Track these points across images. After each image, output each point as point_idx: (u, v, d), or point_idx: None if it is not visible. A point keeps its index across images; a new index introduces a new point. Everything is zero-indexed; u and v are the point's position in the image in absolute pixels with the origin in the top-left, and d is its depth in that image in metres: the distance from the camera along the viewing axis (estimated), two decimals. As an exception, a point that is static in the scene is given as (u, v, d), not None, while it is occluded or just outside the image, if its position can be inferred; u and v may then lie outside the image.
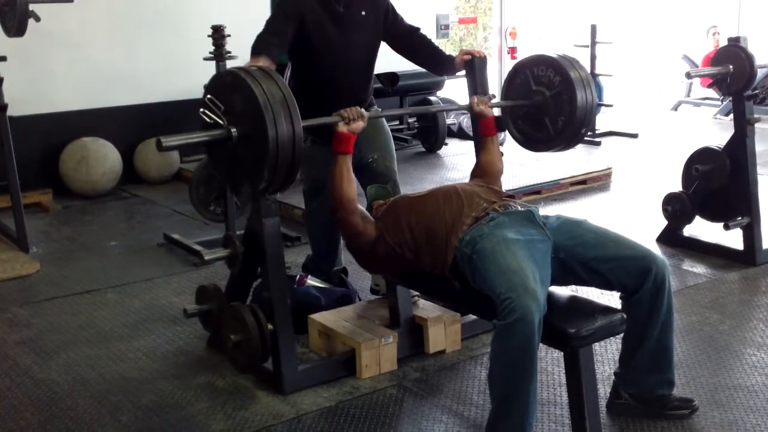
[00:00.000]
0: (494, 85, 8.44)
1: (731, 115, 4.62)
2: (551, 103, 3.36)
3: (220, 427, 2.83)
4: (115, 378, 3.22)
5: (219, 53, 4.64)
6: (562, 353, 2.59)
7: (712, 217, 4.55)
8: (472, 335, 3.45)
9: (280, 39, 3.33)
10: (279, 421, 2.85)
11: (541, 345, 2.43)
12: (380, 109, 3.73)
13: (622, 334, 2.70)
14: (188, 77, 6.13)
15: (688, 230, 4.69)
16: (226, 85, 2.71)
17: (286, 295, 3.04)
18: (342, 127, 2.90)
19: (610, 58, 8.77)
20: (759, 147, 4.56)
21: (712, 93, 9.54)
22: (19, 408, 3.00)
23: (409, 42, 3.67)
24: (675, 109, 10.23)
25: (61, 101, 6.30)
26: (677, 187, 4.67)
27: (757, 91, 6.02)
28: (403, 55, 3.73)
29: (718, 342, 3.41)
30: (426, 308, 3.41)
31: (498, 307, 2.38)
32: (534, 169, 6.35)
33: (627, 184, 6.30)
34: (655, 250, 4.34)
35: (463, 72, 3.64)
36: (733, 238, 4.44)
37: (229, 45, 4.67)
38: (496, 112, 3.40)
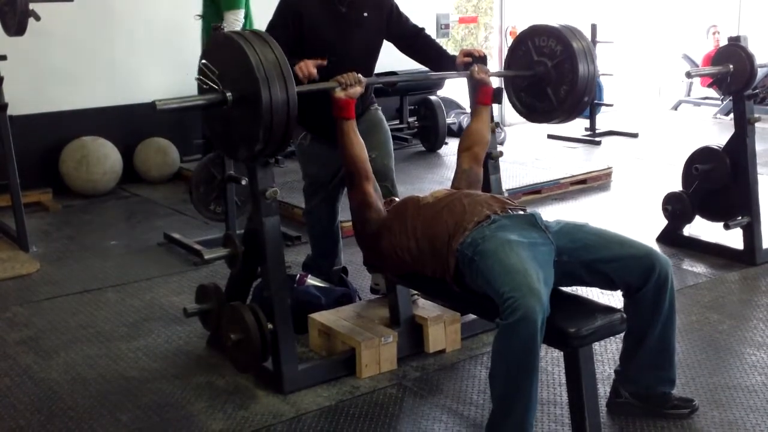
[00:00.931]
0: (494, 85, 8.42)
1: (731, 115, 4.62)
2: (553, 73, 3.38)
3: (220, 426, 2.83)
4: (115, 377, 3.22)
5: (219, 53, 4.65)
6: (561, 353, 2.59)
7: (712, 216, 4.55)
8: (471, 335, 3.45)
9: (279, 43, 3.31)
10: (279, 420, 2.86)
11: (541, 344, 2.43)
12: (380, 108, 3.72)
13: (621, 334, 2.70)
14: (188, 77, 6.12)
15: (688, 230, 4.69)
16: (221, 49, 2.72)
17: (286, 295, 3.04)
18: (339, 93, 2.92)
19: (610, 58, 8.78)
20: (759, 146, 4.56)
21: (712, 92, 9.54)
22: (18, 407, 3.00)
23: (413, 42, 3.66)
24: (675, 108, 10.23)
25: (61, 100, 6.30)
26: (677, 186, 4.66)
27: (757, 91, 6.01)
28: (407, 54, 3.72)
29: (718, 342, 3.41)
30: (426, 308, 3.41)
31: (501, 307, 2.38)
32: (534, 168, 6.36)
33: (627, 184, 6.30)
34: (656, 249, 4.35)
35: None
36: (733, 238, 4.44)
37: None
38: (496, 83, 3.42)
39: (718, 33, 10.04)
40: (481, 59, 3.51)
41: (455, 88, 8.45)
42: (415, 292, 3.36)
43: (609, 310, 2.56)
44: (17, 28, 4.54)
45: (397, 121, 7.67)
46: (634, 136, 8.26)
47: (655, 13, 11.15)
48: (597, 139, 7.95)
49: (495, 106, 3.52)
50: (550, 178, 6.05)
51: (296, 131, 3.67)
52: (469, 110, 3.93)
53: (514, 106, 3.58)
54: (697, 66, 9.60)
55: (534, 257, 2.51)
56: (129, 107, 6.55)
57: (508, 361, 2.38)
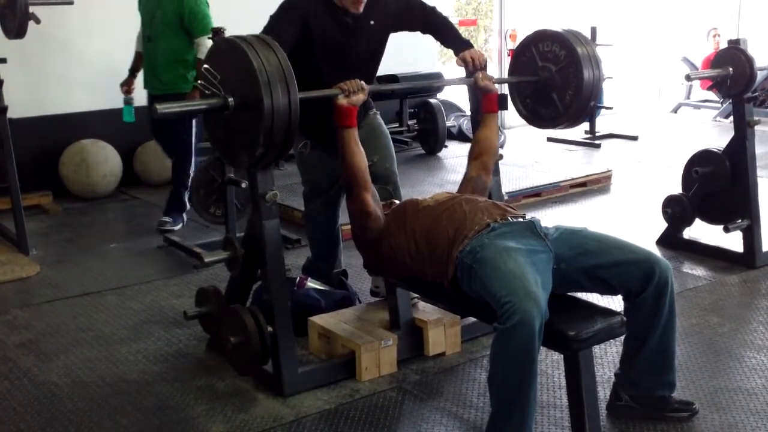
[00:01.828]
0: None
1: (731, 118, 4.62)
2: (558, 78, 3.36)
3: (220, 429, 2.83)
4: (115, 380, 3.22)
5: (219, 55, 4.65)
6: (561, 356, 2.59)
7: (712, 219, 4.55)
8: (471, 338, 3.45)
9: (278, 43, 3.26)
10: (279, 423, 2.85)
11: (540, 347, 2.43)
12: (378, 113, 3.72)
13: (621, 337, 2.70)
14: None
15: (688, 233, 4.69)
16: (223, 54, 2.70)
17: (286, 298, 3.03)
18: (342, 100, 2.88)
19: (609, 61, 8.76)
20: (759, 149, 4.56)
21: (712, 95, 9.55)
22: (18, 410, 3.00)
23: (423, 27, 3.61)
24: (675, 111, 10.23)
25: (61, 103, 6.31)
26: (677, 189, 4.67)
27: (756, 94, 6.01)
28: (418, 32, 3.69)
29: (718, 345, 3.40)
30: (426, 311, 3.41)
31: (499, 311, 2.38)
32: (534, 171, 6.36)
33: (627, 187, 6.30)
34: (656, 252, 4.35)
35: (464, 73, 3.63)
36: (733, 241, 4.44)
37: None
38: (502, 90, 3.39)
39: (719, 36, 10.05)
40: (482, 66, 3.48)
41: (455, 91, 8.45)
42: (415, 295, 3.36)
43: (609, 313, 2.56)
44: (17, 31, 4.54)
45: (397, 124, 7.67)
46: (634, 139, 8.27)
47: (655, 16, 11.16)
48: (597, 142, 7.95)
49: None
50: (549, 181, 6.06)
51: (296, 139, 3.66)
52: (469, 113, 3.92)
53: (519, 112, 3.54)
54: (697, 69, 9.60)
55: (532, 263, 2.51)
56: (129, 110, 6.55)
57: (507, 365, 2.38)
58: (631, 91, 10.60)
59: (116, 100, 6.44)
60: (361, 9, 3.33)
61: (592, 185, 6.19)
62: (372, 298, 3.78)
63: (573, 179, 6.13)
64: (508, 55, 9.12)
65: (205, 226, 5.02)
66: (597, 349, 3.16)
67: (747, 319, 3.69)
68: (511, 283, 2.40)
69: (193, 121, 5.12)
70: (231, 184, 4.25)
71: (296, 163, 3.79)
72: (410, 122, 7.71)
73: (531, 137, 8.01)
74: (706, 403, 2.90)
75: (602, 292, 2.80)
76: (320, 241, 3.88)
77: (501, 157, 3.60)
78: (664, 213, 4.67)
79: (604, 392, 2.89)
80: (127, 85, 5.40)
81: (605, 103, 8.42)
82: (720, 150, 4.45)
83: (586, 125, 8.05)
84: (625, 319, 2.57)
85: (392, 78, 7.13)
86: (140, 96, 5.41)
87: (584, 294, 3.39)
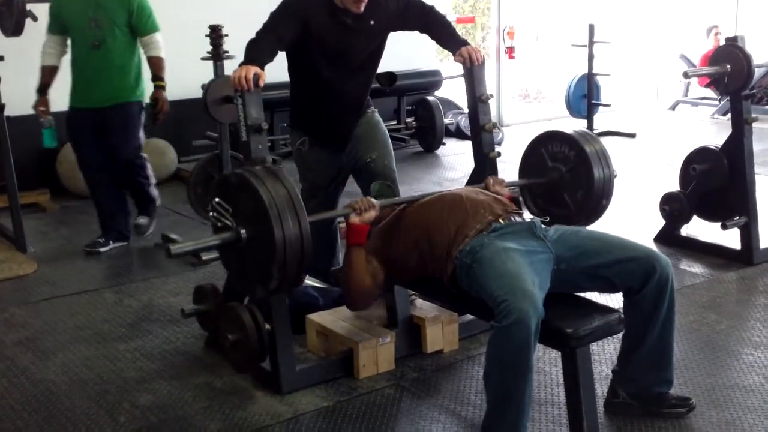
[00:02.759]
0: (492, 85, 8.46)
1: (729, 115, 4.63)
2: (568, 178, 3.33)
3: (218, 427, 2.83)
4: (113, 378, 3.22)
5: (217, 53, 4.64)
6: (559, 353, 2.60)
7: (709, 216, 4.55)
8: (469, 335, 3.45)
9: (278, 41, 3.23)
10: (277, 421, 2.85)
11: (538, 345, 2.43)
12: (376, 110, 3.72)
13: (619, 334, 2.70)
14: (186, 77, 6.11)
15: (686, 230, 4.70)
16: (232, 187, 2.70)
17: (283, 295, 3.03)
18: (354, 219, 2.81)
19: (607, 58, 8.78)
20: (756, 146, 4.57)
21: (709, 93, 9.55)
22: (16, 408, 3.00)
23: (422, 27, 3.59)
24: (673, 108, 10.24)
25: (59, 101, 6.28)
26: (675, 186, 4.67)
27: (754, 91, 6.02)
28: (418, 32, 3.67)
29: (715, 341, 3.41)
30: (423, 308, 3.41)
31: (495, 310, 2.39)
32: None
33: (625, 184, 6.29)
34: (656, 250, 4.35)
35: (462, 71, 3.63)
36: (731, 238, 4.44)
37: (227, 44, 4.67)
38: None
39: (720, 34, 10.05)
40: (480, 63, 3.48)
41: (453, 89, 8.46)
42: (413, 292, 3.36)
43: (606, 310, 2.57)
44: (14, 29, 4.54)
45: (395, 122, 7.67)
46: (632, 136, 8.27)
47: (653, 13, 11.16)
48: (595, 139, 7.94)
49: (493, 105, 3.50)
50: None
51: (294, 136, 3.67)
52: (466, 111, 3.90)
53: (530, 211, 3.49)
54: (695, 66, 9.61)
55: (530, 263, 2.52)
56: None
57: (502, 364, 2.39)
58: (629, 89, 10.61)
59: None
60: (362, 9, 3.32)
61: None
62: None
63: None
64: (506, 53, 9.14)
65: (203, 223, 5.01)
66: (594, 347, 3.16)
67: (744, 316, 3.70)
68: (508, 282, 2.41)
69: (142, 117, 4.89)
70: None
71: (294, 161, 3.79)
72: (408, 120, 7.72)
73: (529, 135, 7.99)
74: (703, 399, 2.90)
75: (602, 291, 2.80)
76: (318, 239, 3.86)
77: (499, 154, 3.60)
78: (662, 210, 4.68)
79: (601, 389, 2.89)
80: (44, 106, 4.85)
81: (603, 101, 8.43)
82: (718, 147, 4.45)
83: (583, 122, 8.05)
84: (622, 316, 2.58)
85: (390, 75, 7.13)
86: (151, 91, 5.36)
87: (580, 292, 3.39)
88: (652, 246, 4.55)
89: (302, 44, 3.33)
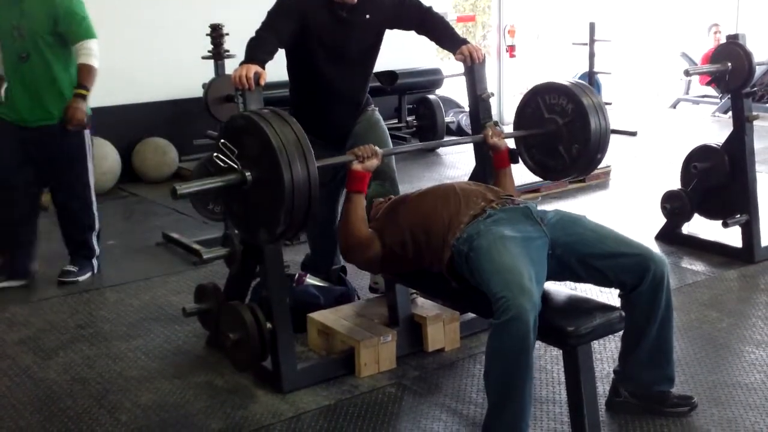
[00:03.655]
0: (492, 84, 8.45)
1: (730, 113, 4.62)
2: (565, 131, 3.32)
3: (219, 426, 2.83)
4: (114, 377, 3.22)
5: (217, 52, 4.64)
6: (561, 351, 2.59)
7: (710, 214, 4.55)
8: (470, 333, 3.45)
9: (278, 38, 3.26)
10: (278, 419, 2.86)
11: (539, 343, 2.43)
12: (377, 108, 3.72)
13: (620, 332, 2.70)
14: (187, 76, 6.12)
15: (687, 228, 4.69)
16: (240, 129, 2.67)
17: (284, 294, 3.04)
18: (357, 166, 2.83)
19: (608, 56, 8.77)
20: (757, 144, 4.56)
21: (710, 90, 9.54)
22: (18, 407, 3.00)
23: (419, 26, 3.59)
24: (674, 106, 10.23)
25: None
26: (676, 184, 4.67)
27: (755, 89, 6.01)
28: (413, 31, 3.65)
29: (717, 339, 3.41)
30: (425, 306, 3.41)
31: (494, 306, 2.39)
32: (533, 167, 6.34)
33: (626, 182, 6.30)
34: (654, 248, 4.34)
35: (463, 70, 3.63)
36: (732, 236, 4.44)
37: (228, 43, 4.67)
38: (510, 142, 3.34)
39: (720, 32, 10.04)
40: (480, 61, 3.49)
41: (454, 87, 8.45)
42: (414, 291, 3.36)
43: (608, 308, 2.56)
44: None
45: (396, 120, 7.67)
46: (633, 134, 8.19)
47: (654, 11, 11.16)
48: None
49: (494, 104, 3.49)
50: (548, 176, 6.04)
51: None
52: (467, 109, 3.89)
53: (526, 164, 3.47)
54: (696, 64, 9.60)
55: (527, 254, 2.52)
56: (127, 107, 6.56)
57: (502, 361, 2.39)
58: (630, 87, 10.61)
59: (115, 98, 6.47)
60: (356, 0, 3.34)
61: (591, 181, 6.18)
62: (371, 294, 3.78)
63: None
64: (507, 51, 9.13)
65: (203, 222, 5.01)
66: (596, 345, 3.16)
67: (746, 314, 3.69)
68: (504, 277, 2.41)
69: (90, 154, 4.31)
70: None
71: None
72: (409, 118, 7.71)
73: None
74: (705, 398, 2.90)
75: (596, 283, 2.79)
76: (319, 238, 3.88)
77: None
78: (663, 208, 4.67)
79: (603, 387, 2.89)
80: None
81: (604, 99, 8.42)
82: (719, 145, 4.44)
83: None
84: (623, 314, 2.57)
85: (391, 74, 7.14)
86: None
87: (583, 288, 3.40)
88: (653, 244, 4.57)
89: (300, 40, 3.36)
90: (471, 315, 3.42)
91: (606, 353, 3.25)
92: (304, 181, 2.55)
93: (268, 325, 2.95)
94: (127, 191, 6.36)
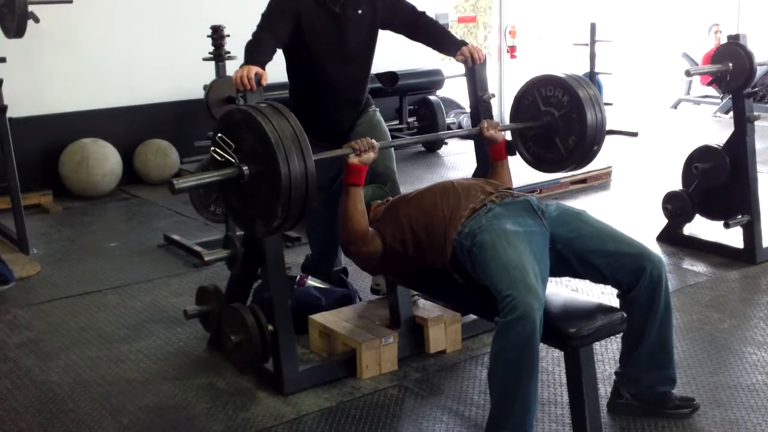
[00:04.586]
0: (493, 84, 8.45)
1: (731, 113, 4.62)
2: (561, 123, 3.32)
3: (221, 428, 2.83)
4: (116, 379, 3.22)
5: (218, 53, 4.65)
6: (562, 353, 2.59)
7: (712, 215, 4.55)
8: (472, 335, 3.45)
9: (275, 39, 3.29)
10: (280, 421, 2.86)
11: (541, 344, 2.43)
12: (378, 109, 3.72)
13: (622, 333, 2.70)
14: (188, 78, 6.13)
15: (689, 229, 4.69)
16: (237, 123, 2.66)
17: (286, 296, 3.04)
18: (353, 159, 2.83)
19: (609, 57, 8.77)
20: (759, 145, 4.56)
21: (711, 91, 9.55)
22: (19, 410, 3.00)
23: (413, 27, 3.60)
24: (675, 107, 10.23)
25: (61, 102, 6.31)
26: (677, 185, 4.66)
27: (756, 89, 6.01)
28: (407, 37, 3.66)
29: (718, 341, 3.40)
30: (426, 308, 3.41)
31: (499, 304, 2.39)
32: (534, 167, 6.34)
33: (627, 183, 6.29)
34: (655, 248, 4.34)
35: (463, 71, 3.63)
36: (734, 237, 4.44)
37: (229, 45, 4.67)
38: (507, 135, 3.35)
39: (720, 32, 10.04)
40: (481, 62, 3.49)
41: (455, 88, 8.45)
42: (416, 293, 3.36)
43: (609, 310, 2.56)
44: (16, 30, 4.53)
45: (397, 121, 7.66)
46: (634, 134, 8.22)
47: (655, 11, 11.16)
48: (597, 138, 7.93)
49: (495, 105, 3.49)
50: (550, 177, 6.03)
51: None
52: (468, 110, 3.90)
53: (522, 156, 3.47)
54: (697, 64, 9.60)
55: (531, 250, 2.52)
56: (129, 109, 6.57)
57: (508, 360, 2.38)
58: (631, 87, 10.61)
59: (116, 99, 6.48)
60: None
61: (593, 181, 6.18)
62: (372, 295, 3.78)
63: (573, 175, 6.11)
64: (508, 52, 9.13)
65: (205, 224, 5.02)
66: (597, 346, 3.16)
67: (747, 315, 3.69)
68: (510, 275, 2.41)
69: None
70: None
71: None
72: (410, 119, 7.71)
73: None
74: (706, 399, 2.90)
75: (593, 280, 2.78)
76: (320, 241, 3.88)
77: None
78: (665, 209, 4.67)
79: (604, 389, 2.89)
80: None
81: (605, 99, 8.42)
82: (720, 146, 4.44)
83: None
84: (625, 315, 2.57)
85: (392, 75, 7.14)
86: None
87: (585, 290, 3.40)
88: (654, 245, 4.57)
89: (297, 39, 3.39)
90: (472, 316, 3.42)
91: (607, 354, 3.25)
92: (301, 174, 2.55)
93: (270, 327, 2.95)
94: (128, 193, 6.37)
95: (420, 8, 3.62)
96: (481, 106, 3.53)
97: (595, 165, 6.41)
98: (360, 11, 3.46)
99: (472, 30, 13.22)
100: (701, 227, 4.68)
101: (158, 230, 5.20)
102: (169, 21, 6.66)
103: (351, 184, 2.84)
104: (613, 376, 2.87)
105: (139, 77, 6.57)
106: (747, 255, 4.35)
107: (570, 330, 2.43)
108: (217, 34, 4.63)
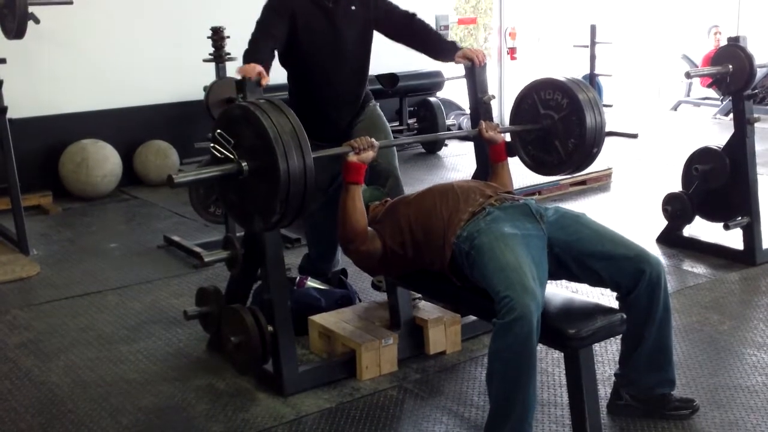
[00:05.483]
0: (493, 86, 8.46)
1: (731, 115, 4.63)
2: (560, 126, 3.32)
3: (221, 428, 2.83)
4: (116, 380, 3.22)
5: (218, 55, 4.65)
6: (562, 354, 2.59)
7: (712, 217, 4.55)
8: (472, 336, 3.45)
9: (273, 41, 3.32)
10: (279, 422, 2.85)
11: (541, 346, 2.43)
12: (377, 104, 3.73)
13: (621, 335, 2.70)
14: (188, 79, 6.14)
15: (688, 230, 4.69)
16: (236, 119, 2.67)
17: (286, 297, 3.04)
18: (352, 157, 2.83)
19: (609, 58, 8.78)
20: (759, 146, 4.56)
21: (711, 93, 9.55)
22: (19, 410, 3.00)
23: (405, 30, 3.62)
24: (675, 108, 10.23)
25: (61, 103, 6.31)
26: (677, 187, 4.66)
27: (756, 91, 6.00)
28: (401, 42, 3.67)
29: (718, 342, 3.40)
30: (426, 309, 3.40)
31: (497, 306, 2.39)
32: (534, 169, 6.34)
33: (627, 185, 6.30)
34: (655, 250, 4.34)
35: (463, 72, 3.63)
36: (733, 238, 4.44)
37: (229, 46, 4.68)
38: (506, 137, 3.36)
39: (720, 33, 10.04)
40: (482, 64, 3.50)
41: (455, 90, 8.45)
42: (416, 294, 3.36)
43: (609, 311, 2.56)
44: (17, 31, 4.54)
45: (397, 123, 7.66)
46: (634, 136, 8.26)
47: (655, 13, 11.16)
48: (597, 139, 7.93)
49: (495, 106, 3.50)
50: (549, 179, 6.04)
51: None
52: (468, 112, 3.90)
53: (521, 159, 3.48)
54: (697, 66, 9.60)
55: (528, 253, 2.52)
56: (128, 110, 6.57)
57: (506, 361, 2.38)
58: (631, 89, 10.61)
59: (116, 100, 6.49)
60: None
61: (592, 183, 6.19)
62: (373, 293, 3.78)
63: (573, 177, 6.10)
64: (508, 54, 9.13)
65: (204, 225, 5.02)
66: (597, 347, 3.16)
67: (747, 317, 3.69)
68: (508, 276, 2.41)
69: None
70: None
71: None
72: (410, 121, 7.71)
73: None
74: (706, 400, 2.90)
75: (592, 283, 2.78)
76: (319, 240, 3.88)
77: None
78: (664, 211, 4.67)
79: (604, 390, 2.89)
80: None
81: (605, 101, 8.43)
82: (720, 147, 4.44)
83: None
84: (624, 317, 2.57)
85: (392, 76, 7.14)
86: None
87: (585, 291, 3.40)
88: (654, 247, 4.57)
89: (293, 39, 3.41)
90: (472, 318, 3.42)
91: (607, 356, 3.25)
92: (300, 170, 2.55)
93: (270, 328, 2.95)
94: (128, 194, 6.37)
95: (421, 10, 3.63)
96: (481, 108, 3.53)
97: (595, 167, 6.40)
98: (353, 7, 3.48)
99: (473, 32, 13.23)
100: (701, 229, 4.68)
101: (158, 231, 5.20)
102: (169, 22, 6.66)
103: (350, 182, 2.85)
104: (613, 378, 2.87)
105: (139, 78, 6.57)
106: (747, 256, 4.35)
107: (570, 331, 2.43)
108: (217, 36, 4.64)
